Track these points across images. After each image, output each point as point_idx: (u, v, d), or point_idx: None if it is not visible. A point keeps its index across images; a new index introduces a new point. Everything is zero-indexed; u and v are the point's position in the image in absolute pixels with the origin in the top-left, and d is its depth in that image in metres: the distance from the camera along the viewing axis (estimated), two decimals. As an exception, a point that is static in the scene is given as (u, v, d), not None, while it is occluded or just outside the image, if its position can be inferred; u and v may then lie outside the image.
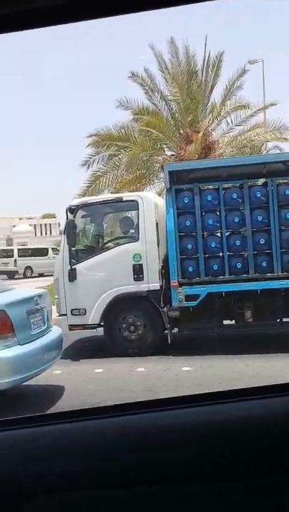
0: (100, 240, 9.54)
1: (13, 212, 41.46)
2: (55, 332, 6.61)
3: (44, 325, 6.25)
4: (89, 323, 8.39)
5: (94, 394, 6.47)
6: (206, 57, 16.13)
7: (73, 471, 1.32)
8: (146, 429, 1.37)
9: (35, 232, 38.37)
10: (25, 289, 11.60)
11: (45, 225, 36.66)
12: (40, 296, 6.36)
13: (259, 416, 1.37)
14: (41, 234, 37.13)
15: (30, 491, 1.31)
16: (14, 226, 38.03)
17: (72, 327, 8.26)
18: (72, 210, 8.43)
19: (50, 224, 38.55)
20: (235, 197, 8.31)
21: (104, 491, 1.31)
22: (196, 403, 1.44)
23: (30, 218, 41.25)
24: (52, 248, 25.81)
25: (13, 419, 1.47)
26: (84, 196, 14.93)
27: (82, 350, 8.73)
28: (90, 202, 9.05)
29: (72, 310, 8.31)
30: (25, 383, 5.82)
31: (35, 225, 39.92)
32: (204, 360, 7.57)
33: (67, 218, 8.44)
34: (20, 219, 40.11)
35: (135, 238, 8.53)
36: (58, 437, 1.37)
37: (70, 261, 8.37)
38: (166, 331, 8.37)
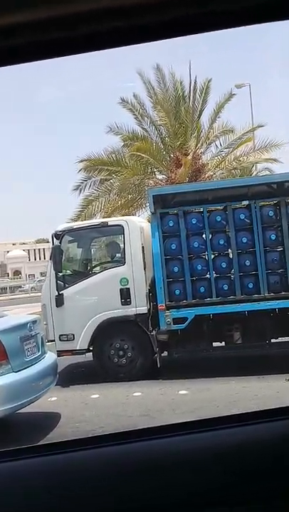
0: (87, 265, 9.59)
1: (7, 237, 41.69)
2: (49, 358, 6.57)
3: (38, 351, 6.22)
4: (77, 348, 8.38)
5: (91, 420, 6.43)
6: (192, 83, 16.44)
7: (71, 500, 1.30)
8: (142, 458, 1.35)
9: (29, 257, 38.39)
10: (18, 315, 11.59)
11: (39, 249, 36.71)
12: (34, 322, 6.34)
13: (257, 440, 1.36)
14: (35, 259, 37.16)
15: None
16: (8, 252, 38.04)
17: (60, 353, 8.24)
18: (57, 235, 8.49)
19: (44, 249, 38.62)
20: (219, 219, 8.38)
21: None
22: (191, 430, 1.44)
23: (23, 243, 41.33)
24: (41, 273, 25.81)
25: (11, 450, 1.45)
26: (77, 220, 15.06)
27: (77, 376, 8.70)
28: (75, 227, 9.12)
29: (60, 336, 8.31)
30: (20, 411, 5.77)
31: (28, 250, 39.96)
32: (200, 383, 7.55)
33: (53, 244, 8.51)
34: (13, 244, 40.18)
35: (122, 262, 8.58)
36: (54, 468, 1.35)
37: (56, 286, 8.41)
38: (155, 355, 8.35)
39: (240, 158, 16.61)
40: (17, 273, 44.51)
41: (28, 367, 5.87)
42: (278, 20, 0.92)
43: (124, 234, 8.55)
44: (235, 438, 1.38)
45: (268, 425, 1.40)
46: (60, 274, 8.56)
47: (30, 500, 1.30)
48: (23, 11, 0.82)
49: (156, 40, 0.92)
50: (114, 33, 0.88)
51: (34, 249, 39.84)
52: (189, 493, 1.31)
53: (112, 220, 9.31)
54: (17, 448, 1.45)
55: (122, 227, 8.58)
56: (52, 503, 1.30)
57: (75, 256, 9.69)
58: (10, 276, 42.25)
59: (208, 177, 16.11)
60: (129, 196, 16.21)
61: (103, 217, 15.00)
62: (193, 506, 1.32)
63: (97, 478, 1.32)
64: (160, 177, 16.72)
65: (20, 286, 34.85)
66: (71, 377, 8.45)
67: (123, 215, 13.92)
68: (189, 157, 15.67)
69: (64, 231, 8.67)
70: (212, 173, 16.39)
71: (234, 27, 0.92)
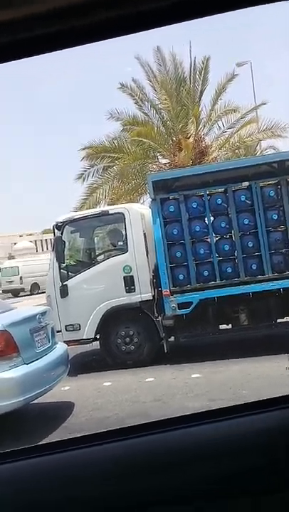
0: (90, 254, 9.58)
1: (13, 229, 41.55)
2: (60, 348, 6.61)
3: (49, 342, 6.26)
4: (84, 337, 8.43)
5: (105, 407, 6.49)
6: (193, 63, 16.20)
7: (74, 499, 1.30)
8: (141, 454, 1.36)
9: (36, 248, 38.39)
10: (27, 307, 11.67)
11: (46, 240, 36.70)
12: (43, 313, 6.37)
13: (254, 431, 1.36)
14: (42, 250, 37.17)
15: None
16: (15, 243, 38.06)
17: (67, 343, 8.29)
18: (58, 226, 8.50)
19: (51, 239, 38.27)
20: (220, 202, 8.32)
21: None
22: (189, 423, 1.43)
23: (30, 234, 41.27)
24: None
25: (13, 451, 1.46)
26: (81, 209, 15.05)
27: (88, 364, 8.75)
28: (75, 217, 9.11)
29: (66, 326, 8.35)
30: (34, 401, 5.81)
31: (35, 241, 39.95)
32: (211, 365, 7.56)
33: (54, 235, 8.52)
34: (20, 236, 40.21)
35: (124, 250, 8.57)
36: (57, 467, 1.36)
37: (60, 277, 8.43)
38: (162, 341, 8.38)
39: (244, 139, 16.41)
40: (25, 265, 44.85)
41: (39, 358, 5.90)
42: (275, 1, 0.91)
43: (125, 221, 8.53)
44: (232, 430, 1.38)
45: (264, 415, 1.40)
46: (64, 264, 8.59)
47: (33, 500, 1.30)
48: (19, 6, 0.82)
49: (155, 27, 0.91)
50: (111, 22, 0.87)
51: (41, 240, 39.88)
52: (190, 487, 1.31)
53: (113, 208, 9.29)
54: (18, 449, 1.46)
55: (123, 214, 8.56)
56: (56, 502, 1.30)
57: (77, 246, 9.70)
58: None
59: (212, 159, 15.97)
60: (133, 182, 16.13)
61: (108, 205, 14.98)
62: (194, 499, 1.31)
63: (99, 476, 1.32)
64: (163, 161, 16.61)
65: None
66: (83, 366, 8.49)
67: (127, 202, 13.87)
68: (191, 139, 15.52)
69: (65, 222, 8.66)
70: (216, 155, 16.24)
71: (235, 9, 0.90)
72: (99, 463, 1.35)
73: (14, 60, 0.92)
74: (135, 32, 0.91)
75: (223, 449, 1.34)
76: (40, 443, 5.29)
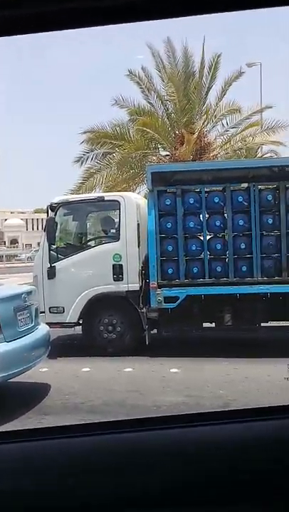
0: (81, 239, 9.52)
1: (4, 205, 41.42)
2: (42, 329, 6.59)
3: (31, 322, 6.24)
4: (67, 321, 8.39)
5: (80, 393, 6.46)
6: (203, 59, 16.09)
7: (68, 487, 1.28)
8: (137, 449, 1.33)
9: (27, 227, 38.30)
10: (13, 285, 11.60)
11: (37, 219, 36.58)
12: (28, 293, 6.35)
13: (254, 438, 1.35)
14: (32, 229, 37.09)
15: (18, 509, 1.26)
16: (5, 220, 37.96)
17: (50, 325, 8.25)
18: (53, 207, 8.42)
19: (42, 219, 38.47)
20: (217, 200, 8.29)
21: None
22: (190, 423, 1.42)
23: (22, 212, 41.16)
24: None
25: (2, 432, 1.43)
26: (77, 192, 14.96)
27: (69, 348, 8.73)
28: (71, 200, 9.04)
29: (50, 308, 8.31)
30: (11, 380, 5.81)
31: (26, 220, 39.85)
32: (191, 362, 7.56)
33: (47, 216, 8.44)
34: (11, 213, 40.06)
35: (116, 238, 8.53)
36: (52, 453, 1.33)
37: (49, 258, 8.37)
38: (145, 332, 8.37)
39: (247, 139, 16.38)
40: (14, 242, 44.48)
41: (20, 337, 5.89)
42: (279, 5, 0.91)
43: (120, 210, 8.47)
44: (233, 434, 1.37)
45: (266, 423, 1.39)
46: (54, 246, 8.53)
47: (25, 482, 1.28)
48: None
49: (156, 18, 0.91)
50: (115, 8, 0.87)
51: (32, 219, 39.77)
52: (184, 488, 1.29)
53: (109, 195, 9.22)
54: (9, 431, 1.44)
55: (119, 202, 8.50)
56: (48, 486, 1.28)
57: (69, 229, 9.63)
58: (7, 244, 42.44)
59: (212, 156, 15.92)
60: (131, 171, 16.04)
61: (103, 191, 14.89)
62: (188, 500, 1.30)
63: (95, 466, 1.30)
64: (164, 153, 16.53)
65: (16, 255, 34.73)
66: (63, 349, 8.46)
67: (124, 190, 13.81)
68: (195, 135, 15.45)
69: (59, 203, 8.59)
70: (217, 153, 16.20)
71: (236, 10, 0.91)
72: (97, 453, 1.33)
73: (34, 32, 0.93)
74: (137, 21, 0.93)
75: (222, 452, 1.33)
76: (13, 422, 5.28)
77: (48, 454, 1.33)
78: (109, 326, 8.41)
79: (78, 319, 8.43)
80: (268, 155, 16.89)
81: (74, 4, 0.86)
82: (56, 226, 8.46)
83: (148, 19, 0.91)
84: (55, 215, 8.44)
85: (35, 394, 6.35)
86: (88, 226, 10.03)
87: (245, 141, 16.25)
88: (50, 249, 8.40)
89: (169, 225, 8.26)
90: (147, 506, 1.29)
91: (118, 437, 1.36)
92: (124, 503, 1.28)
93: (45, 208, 8.79)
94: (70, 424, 1.54)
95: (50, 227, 8.31)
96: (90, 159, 16.41)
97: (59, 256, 8.54)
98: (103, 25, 0.91)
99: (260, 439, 1.34)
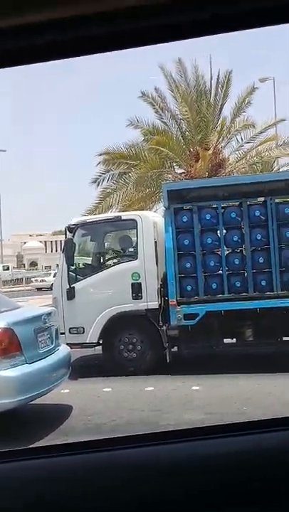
0: (99, 259, 9.56)
1: (24, 229, 42.02)
2: (63, 350, 6.61)
3: (52, 343, 6.26)
4: (87, 341, 8.40)
5: (103, 413, 6.44)
6: (214, 76, 16.26)
7: (72, 504, 1.28)
8: (143, 464, 1.33)
9: (46, 249, 38.66)
10: (33, 307, 11.69)
11: (56, 241, 36.93)
12: (48, 314, 6.39)
13: (261, 450, 1.34)
14: (51, 251, 37.42)
15: None
16: (25, 243, 38.42)
17: (70, 346, 8.27)
18: (71, 229, 8.51)
19: (61, 241, 38.69)
20: (234, 216, 8.29)
21: None
22: (195, 437, 1.42)
23: (40, 235, 41.62)
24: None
25: (7, 451, 1.44)
26: (94, 213, 15.09)
27: (90, 368, 8.71)
28: (88, 221, 9.12)
29: (70, 328, 8.33)
30: (33, 402, 5.80)
31: (45, 242, 40.24)
32: (212, 379, 7.50)
33: (66, 237, 8.52)
34: (30, 235, 40.55)
35: (134, 257, 8.56)
36: (57, 469, 1.33)
37: (68, 279, 8.43)
38: (165, 350, 8.33)
39: (262, 154, 16.40)
40: (33, 264, 45.23)
41: (41, 359, 5.90)
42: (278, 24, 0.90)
43: (137, 228, 8.52)
44: (238, 447, 1.36)
45: (272, 435, 1.37)
46: (72, 267, 8.59)
47: (26, 502, 1.28)
48: (26, 13, 0.83)
49: (158, 43, 0.92)
50: (114, 35, 0.88)
51: (51, 241, 40.18)
52: (189, 501, 1.29)
53: (126, 215, 9.29)
54: (18, 449, 1.45)
55: (136, 221, 8.56)
56: (48, 506, 1.28)
57: (87, 249, 9.70)
58: (26, 267, 42.93)
59: (228, 172, 15.96)
60: (147, 190, 16.15)
61: (120, 211, 14.99)
62: None
63: (99, 482, 1.30)
64: (179, 171, 16.62)
65: (32, 278, 35.15)
66: (84, 370, 8.45)
67: (140, 209, 13.89)
68: (210, 152, 15.52)
69: (77, 224, 8.67)
70: (232, 168, 16.23)
71: (235, 30, 0.91)
72: (100, 470, 1.32)
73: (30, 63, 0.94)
74: (138, 46, 0.93)
75: (227, 466, 1.31)
76: (36, 444, 5.27)
77: (48, 471, 1.33)
78: (129, 345, 8.39)
79: (98, 339, 8.43)
80: (285, 168, 16.87)
81: (75, 33, 0.86)
82: (74, 247, 8.53)
83: (146, 44, 0.92)
84: (74, 236, 8.52)
85: (57, 415, 6.35)
86: (106, 246, 10.09)
87: (260, 156, 16.25)
88: (69, 271, 8.46)
89: (186, 242, 8.27)
90: None
91: (119, 454, 1.36)
92: None
93: (62, 230, 8.88)
94: (71, 442, 1.53)
95: (68, 249, 8.38)
96: (106, 180, 16.59)
97: (78, 276, 8.60)
98: (106, 51, 0.92)
99: (266, 451, 1.33)
